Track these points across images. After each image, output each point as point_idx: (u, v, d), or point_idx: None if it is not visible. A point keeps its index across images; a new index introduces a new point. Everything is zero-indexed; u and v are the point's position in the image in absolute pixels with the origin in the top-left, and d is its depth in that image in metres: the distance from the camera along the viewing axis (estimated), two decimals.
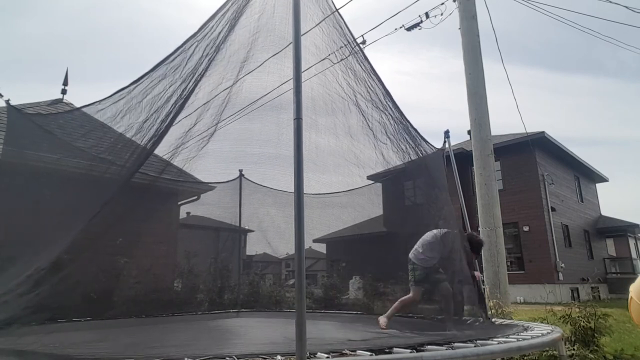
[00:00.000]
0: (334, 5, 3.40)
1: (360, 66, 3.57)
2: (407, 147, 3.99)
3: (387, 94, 3.78)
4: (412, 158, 4.07)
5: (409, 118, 4.26)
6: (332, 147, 3.97)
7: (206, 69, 3.08)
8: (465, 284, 4.28)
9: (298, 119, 1.89)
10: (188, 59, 3.10)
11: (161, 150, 3.94)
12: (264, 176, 6.97)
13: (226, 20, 3.14)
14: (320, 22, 3.30)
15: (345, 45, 3.48)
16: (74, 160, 3.55)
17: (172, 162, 3.86)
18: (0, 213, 3.90)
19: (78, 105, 4.10)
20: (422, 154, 4.25)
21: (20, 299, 2.71)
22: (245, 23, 3.33)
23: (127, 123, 3.14)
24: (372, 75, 3.64)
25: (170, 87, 3.06)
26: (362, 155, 4.00)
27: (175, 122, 3.04)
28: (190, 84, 2.99)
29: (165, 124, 2.89)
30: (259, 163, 5.93)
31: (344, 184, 6.37)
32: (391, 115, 3.84)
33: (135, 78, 3.20)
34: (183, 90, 2.98)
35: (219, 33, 3.12)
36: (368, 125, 3.69)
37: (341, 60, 3.45)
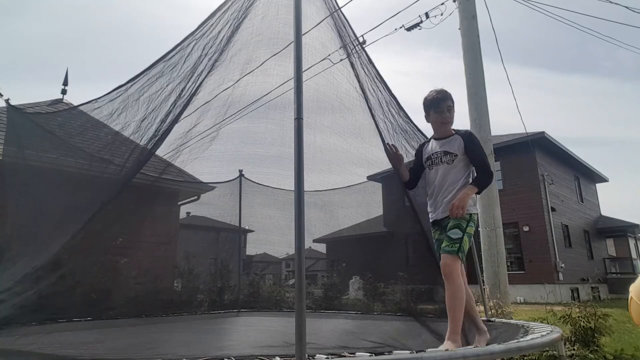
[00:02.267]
0: (337, 4, 3.39)
1: (364, 69, 3.56)
2: (411, 148, 3.97)
3: (392, 95, 3.76)
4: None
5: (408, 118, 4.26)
6: (338, 148, 3.96)
7: (209, 70, 3.05)
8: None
9: (299, 119, 1.90)
10: (186, 57, 3.06)
11: (161, 150, 3.94)
12: (266, 176, 6.98)
13: (226, 20, 3.12)
14: (322, 20, 3.30)
15: (348, 45, 3.48)
16: (73, 160, 3.54)
17: (174, 162, 3.84)
18: (0, 212, 3.90)
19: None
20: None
21: (19, 298, 2.70)
22: (249, 24, 3.32)
23: (124, 121, 3.09)
24: (377, 77, 3.63)
25: (167, 85, 3.02)
26: (371, 155, 3.96)
27: (178, 122, 3.01)
28: (190, 83, 2.96)
29: (166, 124, 2.86)
30: (261, 163, 5.93)
31: (349, 183, 6.39)
32: (393, 118, 3.82)
33: (133, 75, 3.18)
34: (182, 90, 2.95)
35: (219, 32, 3.10)
36: (377, 125, 3.66)
37: (343, 59, 3.45)
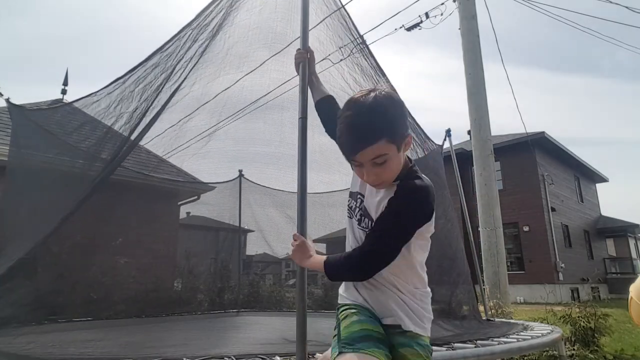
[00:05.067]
0: (339, 1, 3.37)
1: (367, 62, 3.53)
2: (414, 145, 3.99)
3: (393, 90, 3.74)
4: (419, 156, 4.06)
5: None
6: (337, 147, 3.93)
7: (200, 57, 3.01)
8: (464, 284, 4.28)
9: (303, 118, 1.89)
10: (181, 47, 3.04)
11: (157, 144, 3.93)
12: (265, 176, 6.98)
13: (220, 9, 3.09)
14: (325, 18, 3.27)
15: (351, 40, 3.45)
16: (72, 160, 3.54)
17: (170, 158, 3.81)
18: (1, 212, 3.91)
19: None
20: (426, 152, 4.25)
21: (13, 295, 2.69)
22: (245, 16, 3.28)
23: (118, 112, 3.07)
24: (378, 71, 3.61)
25: (161, 74, 2.97)
26: None
27: (165, 111, 2.95)
28: (180, 70, 2.92)
29: (154, 112, 2.81)
30: (261, 163, 5.93)
31: (348, 183, 6.37)
32: None
33: (130, 67, 3.16)
34: (171, 74, 2.91)
35: (212, 19, 3.07)
36: None
37: (347, 57, 3.42)
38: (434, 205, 1.24)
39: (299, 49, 2.07)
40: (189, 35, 3.03)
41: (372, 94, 1.22)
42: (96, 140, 3.33)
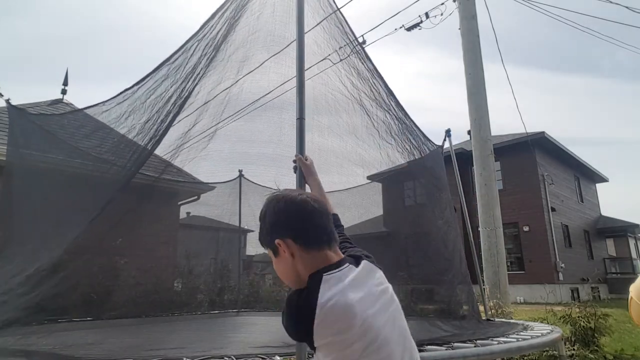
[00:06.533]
0: (335, 4, 3.39)
1: (363, 65, 3.56)
2: (411, 147, 4.01)
3: (390, 93, 3.77)
4: (416, 158, 4.08)
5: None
6: (336, 148, 3.93)
7: (206, 69, 3.07)
8: (462, 284, 4.28)
9: (301, 119, 1.90)
10: (189, 59, 3.10)
11: (161, 151, 3.95)
12: (265, 177, 6.98)
13: (225, 19, 3.14)
14: (321, 21, 3.29)
15: (347, 43, 3.47)
16: (74, 161, 3.55)
17: (172, 162, 3.85)
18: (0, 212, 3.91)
19: (78, 106, 4.12)
20: (425, 153, 4.26)
21: (20, 299, 2.71)
22: (245, 23, 3.32)
23: (130, 124, 3.14)
24: (375, 75, 3.63)
25: (172, 87, 3.06)
26: (367, 155, 3.96)
27: (175, 122, 3.02)
28: (190, 83, 2.98)
29: (165, 124, 2.88)
30: (260, 163, 5.94)
31: (348, 185, 6.37)
32: (395, 115, 3.83)
33: (139, 78, 3.21)
34: (182, 90, 2.97)
35: (218, 32, 3.12)
36: (373, 125, 3.65)
37: (344, 59, 3.44)
38: (308, 324, 0.96)
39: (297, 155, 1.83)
40: (196, 47, 3.07)
41: (271, 197, 1.16)
42: (109, 147, 3.38)
